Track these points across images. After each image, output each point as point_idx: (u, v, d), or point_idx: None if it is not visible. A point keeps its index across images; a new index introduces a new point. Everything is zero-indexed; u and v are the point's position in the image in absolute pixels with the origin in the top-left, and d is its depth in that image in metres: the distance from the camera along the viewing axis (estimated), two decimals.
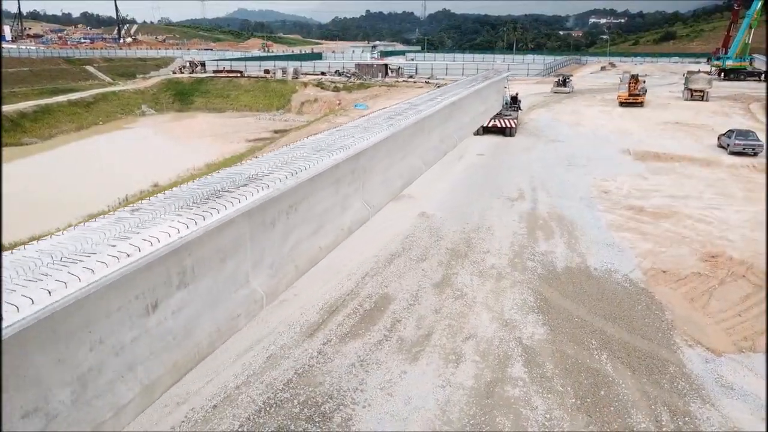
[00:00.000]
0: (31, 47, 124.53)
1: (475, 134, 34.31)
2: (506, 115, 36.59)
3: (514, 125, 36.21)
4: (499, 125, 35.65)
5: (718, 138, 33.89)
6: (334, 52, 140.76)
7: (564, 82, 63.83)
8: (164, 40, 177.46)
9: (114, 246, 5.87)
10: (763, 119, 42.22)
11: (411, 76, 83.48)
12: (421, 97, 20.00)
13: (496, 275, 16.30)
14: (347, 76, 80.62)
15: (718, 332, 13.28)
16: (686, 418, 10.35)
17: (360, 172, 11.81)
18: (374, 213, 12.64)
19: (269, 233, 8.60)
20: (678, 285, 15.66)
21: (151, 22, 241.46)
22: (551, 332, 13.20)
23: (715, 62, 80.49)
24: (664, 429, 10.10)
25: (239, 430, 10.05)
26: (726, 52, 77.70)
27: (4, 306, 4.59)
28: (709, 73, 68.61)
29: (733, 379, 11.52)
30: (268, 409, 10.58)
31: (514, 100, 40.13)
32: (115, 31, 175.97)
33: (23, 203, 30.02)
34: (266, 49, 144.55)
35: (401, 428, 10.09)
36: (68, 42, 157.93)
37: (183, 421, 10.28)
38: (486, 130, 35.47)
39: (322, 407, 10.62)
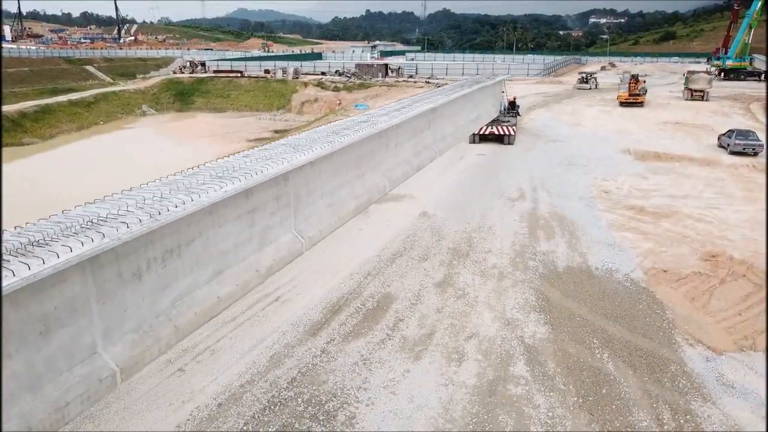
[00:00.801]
0: (32, 47, 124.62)
1: (470, 143, 33.46)
2: (504, 122, 34.65)
3: (512, 132, 34.20)
4: (496, 132, 33.86)
5: (719, 138, 33.97)
6: (334, 52, 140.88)
7: (586, 80, 66.05)
8: (164, 40, 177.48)
9: None
10: (763, 119, 42.31)
11: (411, 76, 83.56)
12: (388, 106, 18.35)
13: (498, 275, 16.37)
14: (347, 76, 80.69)
15: (719, 331, 13.36)
16: (687, 416, 10.43)
17: (290, 198, 10.29)
18: (313, 244, 11.18)
19: (133, 288, 7.01)
20: (679, 284, 15.75)
21: (151, 22, 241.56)
22: (553, 331, 13.28)
23: (715, 62, 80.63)
24: (665, 427, 10.18)
25: (244, 428, 10.12)
26: (726, 52, 77.81)
27: None
28: (708, 72, 68.78)
29: (734, 377, 11.60)
30: (272, 407, 10.65)
31: (512, 105, 38.09)
32: (115, 31, 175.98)
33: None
34: (266, 49, 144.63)
35: (405, 426, 10.17)
36: (68, 42, 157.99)
37: (188, 420, 10.35)
38: (482, 138, 34.05)
39: (326, 405, 10.70)
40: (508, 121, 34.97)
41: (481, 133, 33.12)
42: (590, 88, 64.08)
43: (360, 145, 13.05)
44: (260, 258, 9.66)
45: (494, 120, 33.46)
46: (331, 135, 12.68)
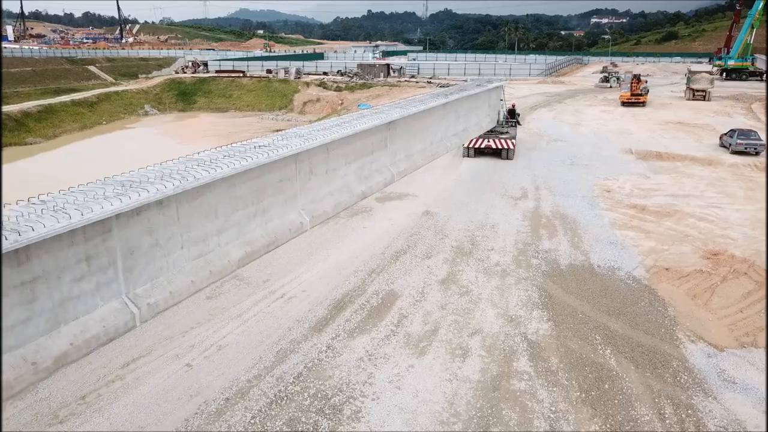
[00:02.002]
0: (34, 47, 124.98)
1: (464, 156, 31.13)
2: (502, 134, 30.94)
3: (511, 146, 30.56)
4: (493, 146, 30.50)
5: (720, 137, 34.09)
6: (335, 52, 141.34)
7: (607, 79, 67.14)
8: (166, 40, 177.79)
9: None
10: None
11: (413, 76, 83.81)
12: (325, 122, 14.79)
13: (501, 272, 16.51)
14: (349, 76, 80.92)
15: (720, 328, 13.48)
16: (689, 411, 10.56)
17: (115, 255, 8.03)
18: (156, 312, 8.80)
19: None
20: (680, 282, 15.87)
21: (153, 22, 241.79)
22: (556, 328, 13.41)
23: (717, 62, 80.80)
24: (667, 421, 10.31)
25: (251, 421, 10.27)
26: (728, 52, 77.91)
27: None
28: (710, 73, 68.90)
29: (735, 373, 11.72)
30: (279, 401, 10.80)
31: (512, 114, 33.67)
32: (117, 31, 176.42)
33: None
34: (268, 49, 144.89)
35: (410, 420, 10.31)
36: (70, 42, 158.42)
37: (196, 413, 10.50)
38: (478, 152, 31.07)
39: (332, 400, 10.84)
40: (507, 133, 31.35)
41: (476, 146, 30.54)
42: (610, 87, 64.05)
43: (257, 174, 10.51)
44: (48, 344, 7.25)
45: (490, 131, 30.18)
46: (195, 167, 9.42)
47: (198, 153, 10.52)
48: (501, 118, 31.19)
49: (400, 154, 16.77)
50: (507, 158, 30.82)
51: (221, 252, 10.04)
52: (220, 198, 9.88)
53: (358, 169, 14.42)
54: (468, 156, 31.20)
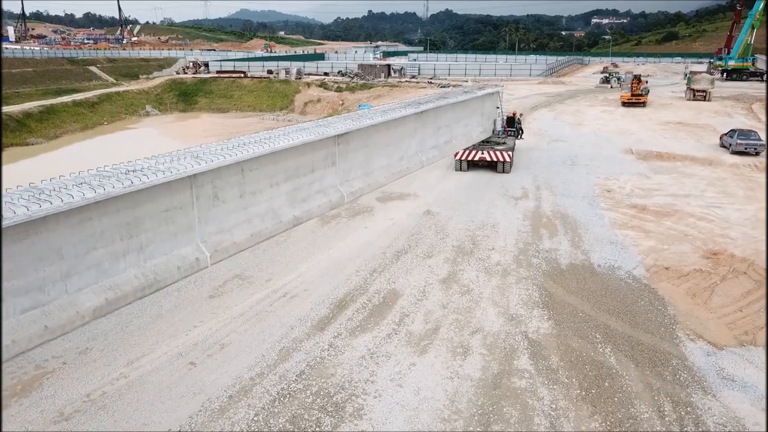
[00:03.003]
0: (35, 48, 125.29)
1: (456, 170, 28.48)
2: (498, 144, 28.65)
3: (508, 158, 27.74)
4: (487, 158, 27.74)
5: (720, 138, 34.20)
6: (336, 52, 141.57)
7: (607, 80, 67.83)
8: (167, 41, 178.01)
9: None
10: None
11: (414, 77, 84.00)
12: (248, 136, 13.24)
13: (502, 272, 16.60)
14: (350, 77, 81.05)
15: (720, 327, 13.57)
16: (688, 408, 10.64)
17: None
18: None
19: None
20: (680, 281, 15.96)
21: (154, 23, 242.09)
22: (556, 326, 13.50)
23: (717, 62, 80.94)
24: (666, 419, 10.40)
25: (254, 418, 10.36)
26: (729, 53, 78.05)
27: None
28: (711, 73, 69.00)
29: (734, 371, 11.80)
30: (282, 399, 10.89)
31: (510, 123, 30.67)
32: (118, 32, 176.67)
33: None
34: (269, 49, 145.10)
35: (412, 417, 10.41)
36: (71, 43, 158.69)
37: (199, 411, 10.59)
38: (471, 165, 28.50)
39: (335, 398, 10.93)
40: (504, 144, 28.95)
41: (468, 158, 28.02)
42: (611, 87, 64.32)
43: (129, 204, 9.02)
44: None
45: (485, 142, 28.20)
46: (21, 200, 7.86)
47: (44, 180, 8.86)
48: (498, 128, 28.97)
49: (355, 171, 14.96)
50: (503, 171, 28.01)
51: (67, 301, 8.45)
52: (67, 235, 8.24)
53: (292, 191, 12.67)
54: (460, 169, 28.47)
